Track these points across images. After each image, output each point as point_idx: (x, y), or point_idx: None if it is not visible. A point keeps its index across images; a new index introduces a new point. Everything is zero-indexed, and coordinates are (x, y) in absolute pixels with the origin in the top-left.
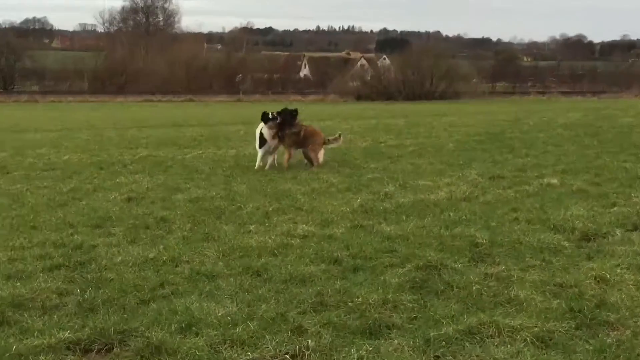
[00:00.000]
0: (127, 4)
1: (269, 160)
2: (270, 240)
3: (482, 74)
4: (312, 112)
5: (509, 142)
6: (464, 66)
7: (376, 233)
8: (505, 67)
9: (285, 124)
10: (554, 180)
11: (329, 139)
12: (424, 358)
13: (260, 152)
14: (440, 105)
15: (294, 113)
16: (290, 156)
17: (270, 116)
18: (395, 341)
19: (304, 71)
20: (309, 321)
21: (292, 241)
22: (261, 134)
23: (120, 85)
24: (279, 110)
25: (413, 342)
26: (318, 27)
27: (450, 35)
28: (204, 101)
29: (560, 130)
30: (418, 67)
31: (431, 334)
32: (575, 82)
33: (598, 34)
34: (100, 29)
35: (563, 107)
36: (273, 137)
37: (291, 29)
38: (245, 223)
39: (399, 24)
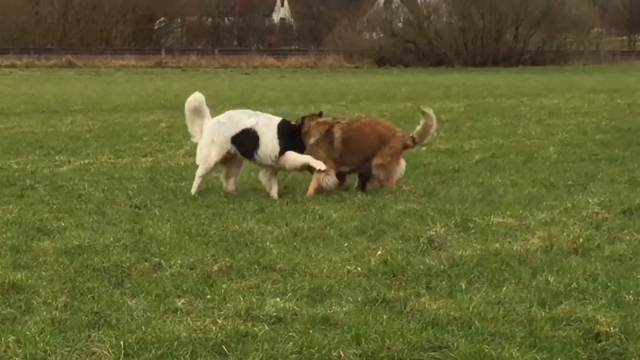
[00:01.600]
0: None
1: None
2: (214, 327)
3: (609, 19)
4: (293, 88)
5: None
6: (576, 4)
7: (411, 314)
8: None
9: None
10: None
11: (413, 137)
12: None
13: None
14: (533, 76)
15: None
16: (320, 185)
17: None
18: None
19: (281, 12)
20: None
21: (256, 328)
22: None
23: None
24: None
25: None
26: None
27: None
28: (95, 67)
29: None
30: (492, 6)
31: None
32: None
33: None
34: None
35: None
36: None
37: None
38: (169, 295)
39: None
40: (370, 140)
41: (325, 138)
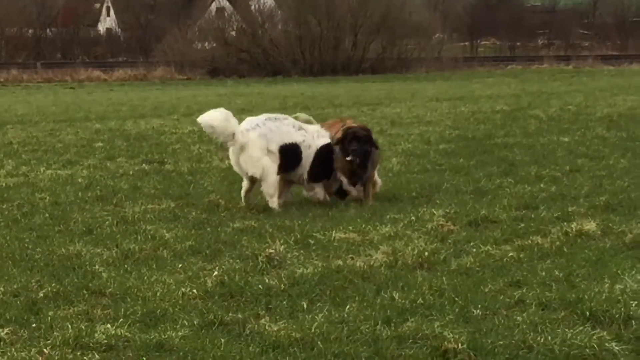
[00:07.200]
0: None
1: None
2: (40, 358)
3: (450, 25)
4: (122, 102)
5: (503, 154)
6: (417, 9)
7: (251, 337)
8: (494, 12)
9: None
10: (591, 226)
11: None
12: None
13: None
14: (374, 85)
15: None
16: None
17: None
18: None
19: (107, 22)
20: None
21: (85, 357)
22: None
23: None
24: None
25: None
26: None
27: None
28: None
29: (600, 129)
30: (329, 12)
31: None
32: (624, 38)
33: None
34: None
35: (604, 86)
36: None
37: None
38: None
39: None
40: None
41: None
